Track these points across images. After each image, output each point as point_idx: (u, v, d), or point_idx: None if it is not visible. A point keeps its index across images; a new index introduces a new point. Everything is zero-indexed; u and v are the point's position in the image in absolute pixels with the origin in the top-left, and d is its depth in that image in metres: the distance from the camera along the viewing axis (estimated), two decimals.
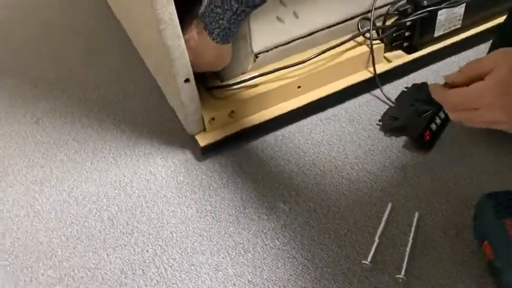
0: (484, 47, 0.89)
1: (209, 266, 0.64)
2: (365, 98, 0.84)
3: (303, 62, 0.77)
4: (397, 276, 0.59)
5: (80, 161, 0.80)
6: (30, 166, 0.79)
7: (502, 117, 0.50)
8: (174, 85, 0.70)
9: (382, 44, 0.83)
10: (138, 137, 0.82)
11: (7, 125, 0.87)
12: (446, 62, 0.88)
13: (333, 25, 0.81)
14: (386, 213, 0.66)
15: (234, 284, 0.61)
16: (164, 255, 0.65)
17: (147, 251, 0.66)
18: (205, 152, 0.77)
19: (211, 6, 0.64)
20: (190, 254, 0.65)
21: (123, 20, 1.03)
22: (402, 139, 0.76)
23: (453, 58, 0.89)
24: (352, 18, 0.82)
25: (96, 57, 1.00)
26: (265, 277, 0.62)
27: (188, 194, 0.73)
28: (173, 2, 0.61)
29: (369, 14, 0.82)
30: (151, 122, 0.85)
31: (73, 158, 0.80)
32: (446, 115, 0.76)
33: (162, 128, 0.83)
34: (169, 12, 0.61)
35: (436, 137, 0.75)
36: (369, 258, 0.61)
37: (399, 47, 0.86)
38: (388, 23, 0.83)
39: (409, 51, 0.86)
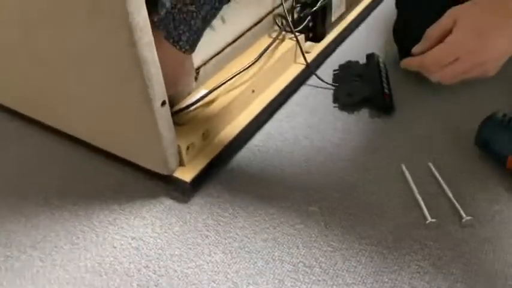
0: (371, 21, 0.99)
1: None
2: (306, 89, 0.82)
3: (250, 65, 0.72)
4: (463, 220, 0.58)
5: (29, 265, 0.56)
6: None
7: (484, 57, 0.56)
8: (148, 116, 0.55)
9: (303, 35, 0.84)
10: (86, 208, 0.63)
11: None
12: (346, 42, 0.94)
13: (253, 26, 0.78)
14: (407, 173, 0.65)
15: None
16: None
17: None
18: (191, 189, 0.63)
19: (179, 5, 0.54)
20: None
21: None
22: (364, 111, 0.77)
23: (349, 39, 0.95)
24: (266, 15, 0.81)
25: None
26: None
27: (200, 241, 0.58)
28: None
29: (280, 9, 0.81)
30: (87, 186, 0.66)
31: (8, 267, 0.56)
32: (387, 78, 0.80)
33: (107, 187, 0.66)
34: (144, 17, 0.49)
35: (392, 97, 0.78)
36: (428, 217, 0.59)
37: (307, 38, 0.88)
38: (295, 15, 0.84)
39: (317, 39, 0.89)
